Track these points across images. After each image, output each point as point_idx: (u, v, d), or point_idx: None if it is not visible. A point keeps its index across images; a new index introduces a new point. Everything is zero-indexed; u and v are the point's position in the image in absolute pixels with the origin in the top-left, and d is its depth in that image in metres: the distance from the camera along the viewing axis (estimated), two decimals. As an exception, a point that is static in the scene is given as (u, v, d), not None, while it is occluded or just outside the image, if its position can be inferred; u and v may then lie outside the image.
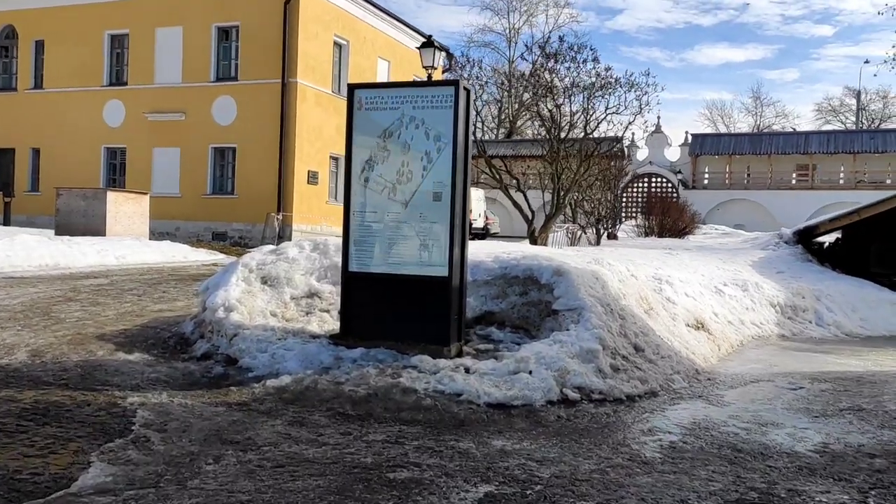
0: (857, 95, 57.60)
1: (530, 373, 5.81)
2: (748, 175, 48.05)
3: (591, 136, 15.82)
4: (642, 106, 15.40)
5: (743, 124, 70.37)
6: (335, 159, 23.38)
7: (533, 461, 4.39)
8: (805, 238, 15.78)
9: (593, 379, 5.83)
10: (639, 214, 24.06)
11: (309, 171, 21.82)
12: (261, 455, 4.37)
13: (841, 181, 46.18)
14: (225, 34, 23.07)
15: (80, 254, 14.10)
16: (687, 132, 48.53)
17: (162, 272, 13.39)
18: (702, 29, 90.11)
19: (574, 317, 6.53)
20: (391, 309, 6.55)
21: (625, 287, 7.52)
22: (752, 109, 72.08)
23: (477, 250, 7.74)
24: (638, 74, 15.35)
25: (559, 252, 9.30)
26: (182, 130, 23.14)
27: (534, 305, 6.93)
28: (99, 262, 14.22)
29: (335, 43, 23.20)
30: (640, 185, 45.11)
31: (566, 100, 15.35)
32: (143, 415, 5.11)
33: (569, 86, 15.18)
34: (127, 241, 16.10)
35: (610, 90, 14.86)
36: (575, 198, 17.57)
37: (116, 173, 25.22)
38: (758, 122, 70.25)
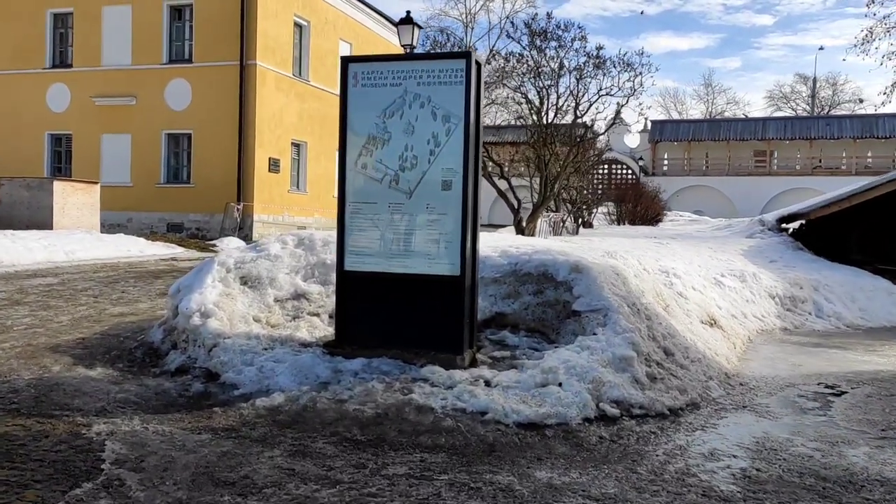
0: (813, 82, 58.41)
1: (560, 385, 5.10)
2: (707, 161, 48.28)
3: (581, 118, 15.14)
4: (635, 87, 14.78)
5: (695, 111, 70.92)
6: (297, 146, 22.36)
7: (592, 500, 3.69)
8: (787, 224, 15.44)
9: (631, 391, 5.15)
10: (607, 203, 23.61)
11: (270, 159, 20.76)
12: (265, 502, 3.58)
13: (798, 167, 46.69)
14: (178, 13, 21.79)
15: (25, 249, 12.92)
16: (647, 119, 48.47)
17: (117, 268, 12.33)
18: (646, 18, 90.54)
19: (599, 319, 5.84)
20: (394, 313, 5.77)
21: (641, 283, 6.87)
22: (703, 97, 72.71)
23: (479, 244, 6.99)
24: (632, 53, 14.70)
25: (561, 243, 8.62)
26: (133, 116, 21.83)
27: (550, 306, 6.22)
28: (47, 258, 13.06)
29: (295, 23, 22.10)
30: (601, 171, 44.88)
31: (554, 82, 14.63)
32: (114, 448, 4.27)
33: (556, 68, 14.43)
34: (77, 235, 14.93)
35: (604, 70, 14.18)
36: (562, 185, 16.91)
37: (62, 161, 23.74)
38: (710, 110, 70.85)
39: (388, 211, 5.76)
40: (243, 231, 20.01)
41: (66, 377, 5.56)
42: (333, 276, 6.73)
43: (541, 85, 14.66)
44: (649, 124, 48.09)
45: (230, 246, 17.58)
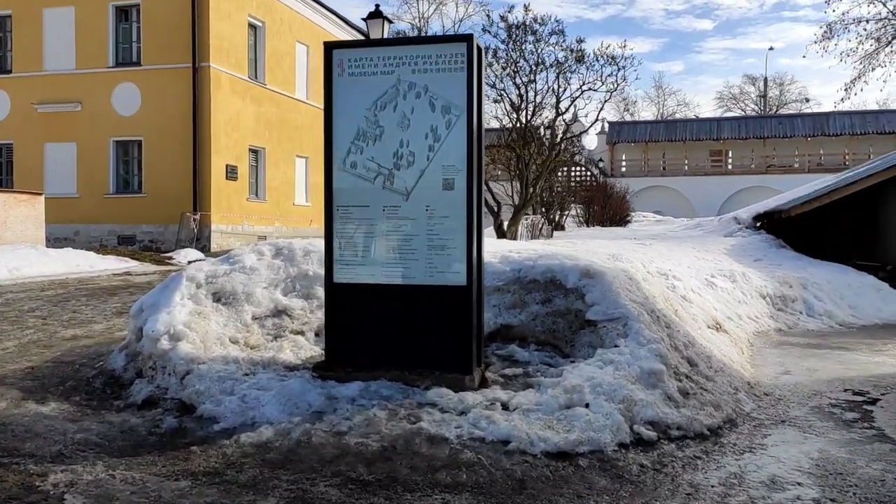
0: (764, 82, 59.30)
1: (588, 406, 4.53)
2: (664, 162, 48.53)
3: (562, 115, 14.61)
4: (618, 81, 14.32)
5: (647, 113, 71.56)
6: (255, 152, 21.48)
7: (659, 549, 3.10)
8: (763, 222, 15.19)
9: (665, 409, 4.60)
10: (576, 205, 23.26)
11: (227, 166, 19.84)
12: (271, 573, 2.92)
13: (752, 166, 47.21)
14: (124, 14, 20.74)
15: (-37, 267, 11.89)
16: (604, 120, 48.54)
17: (67, 286, 11.40)
18: (592, 23, 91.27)
19: (619, 328, 5.29)
20: (393, 329, 5.13)
21: (651, 287, 6.35)
22: (654, 99, 73.42)
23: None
24: (615, 47, 14.23)
25: (558, 247, 8.07)
26: (78, 123, 20.69)
27: (561, 316, 5.65)
28: (-12, 275, 12.05)
29: (250, 24, 21.24)
30: (561, 173, 44.70)
31: (532, 78, 14.05)
32: (76, 503, 3.57)
33: (535, 63, 13.86)
34: (21, 250, 13.88)
35: (586, 64, 13.68)
36: (543, 186, 16.37)
37: (2, 173, 22.44)
38: (661, 111, 71.56)
39: (382, 215, 5.13)
40: (201, 242, 19.06)
41: (15, 415, 4.79)
42: (317, 290, 6.07)
43: (520, 81, 14.16)
44: (606, 126, 48.16)
45: (188, 258, 16.66)
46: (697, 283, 9.43)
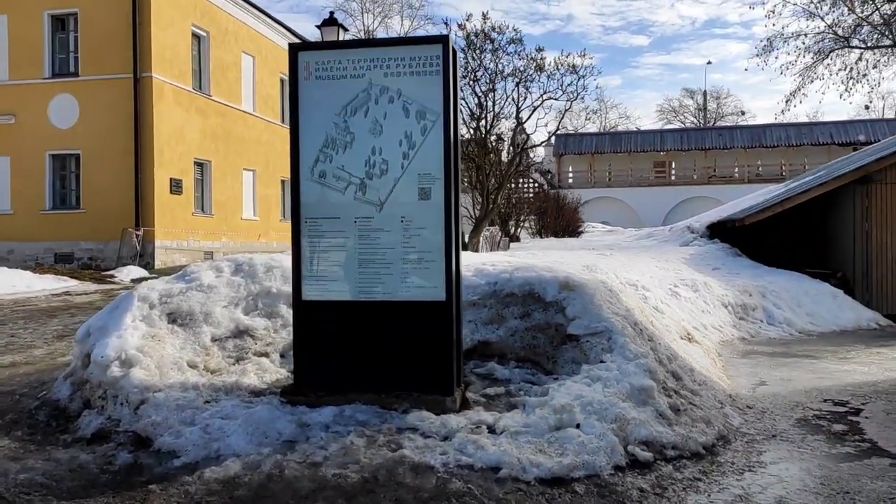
0: (704, 95, 60.69)
1: (579, 426, 4.28)
2: (610, 173, 49.15)
3: (523, 125, 14.43)
4: (579, 91, 14.22)
5: (591, 126, 72.49)
6: (200, 165, 20.79)
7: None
8: (717, 231, 15.30)
9: (659, 428, 4.38)
10: (529, 216, 23.19)
11: (172, 180, 19.13)
12: None
13: (695, 176, 48.16)
14: (60, 23, 19.88)
15: None
16: (550, 132, 48.90)
17: (2, 307, 10.70)
18: (532, 38, 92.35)
19: (603, 343, 5.06)
20: (367, 348, 4.81)
21: (628, 299, 6.16)
22: (597, 111, 74.50)
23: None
24: (574, 55, 14.11)
25: (534, 259, 7.83)
26: (12, 136, 19.71)
27: (541, 330, 5.40)
28: (-87, 297, 11.24)
29: (194, 34, 20.60)
30: (516, 184, 44.87)
31: (491, 87, 13.86)
32: (20, 559, 3.15)
33: (494, 71, 13.68)
34: (-50, 270, 13.04)
35: (547, 73, 13.51)
36: (504, 197, 16.14)
37: (-71, 188, 21.19)
38: (604, 124, 72.64)
39: (354, 227, 4.81)
40: (144, 259, 18.30)
41: (-54, 455, 4.30)
42: (281, 308, 5.70)
43: (479, 90, 13.95)
44: (553, 138, 48.53)
45: (130, 276, 15.96)
46: (663, 293, 9.34)
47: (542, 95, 14.21)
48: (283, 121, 25.65)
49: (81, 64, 19.44)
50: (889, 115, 52.76)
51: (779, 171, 45.31)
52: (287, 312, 5.65)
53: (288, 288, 5.78)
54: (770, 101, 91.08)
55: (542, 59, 13.72)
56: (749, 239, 14.41)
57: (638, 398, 4.57)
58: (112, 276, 15.70)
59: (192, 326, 5.35)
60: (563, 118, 15.33)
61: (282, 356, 5.40)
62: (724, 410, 5.17)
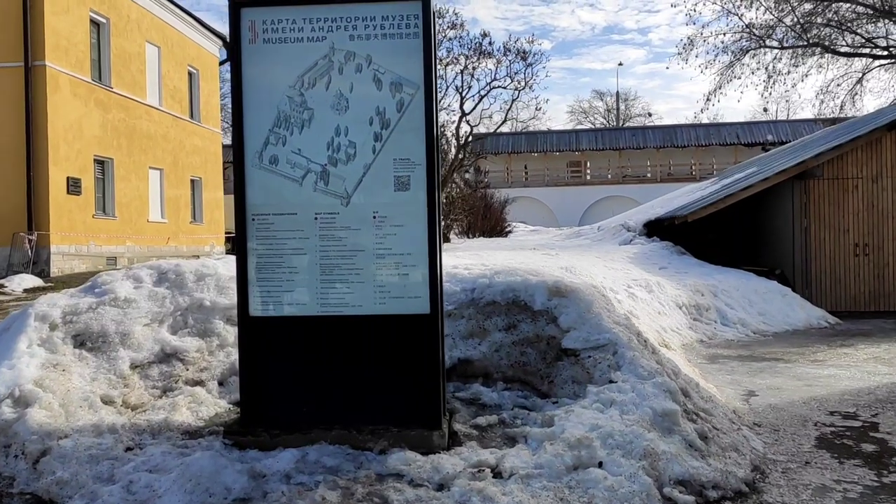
0: (616, 96, 61.72)
1: (601, 465, 3.52)
2: (526, 173, 49.16)
3: (467, 117, 13.59)
4: (527, 79, 13.49)
5: (503, 126, 72.61)
6: (101, 163, 19.04)
7: None
8: (655, 229, 15.01)
9: (693, 462, 3.67)
10: (456, 215, 22.49)
11: (69, 179, 17.38)
12: None
13: (609, 176, 48.71)
14: (-63, 5, 17.78)
15: None
16: (468, 132, 48.47)
17: None
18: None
19: (608, 359, 4.33)
20: (332, 374, 3.91)
21: (619, 305, 5.46)
22: (506, 115, 74.74)
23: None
24: (523, 41, 13.37)
25: (512, 260, 7.03)
26: None
27: (530, 344, 4.63)
28: None
29: (92, 20, 18.84)
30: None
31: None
32: None
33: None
34: None
35: (496, 59, 12.73)
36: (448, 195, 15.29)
37: None
38: (515, 125, 72.89)
39: (314, 225, 3.90)
40: (38, 266, 16.52)
41: None
42: (217, 324, 4.72)
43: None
44: (470, 137, 48.11)
45: (23, 285, 14.30)
46: (624, 295, 8.76)
47: (489, 84, 13.47)
48: (191, 116, 24.06)
49: (-37, 50, 17.43)
50: (782, 117, 54.96)
51: (689, 171, 46.41)
52: (225, 329, 4.68)
53: (224, 299, 4.81)
54: (668, 105, 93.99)
55: (490, 43, 13.00)
56: (688, 236, 14.15)
57: (662, 425, 3.85)
58: (2, 286, 14.01)
59: (106, 351, 4.30)
60: (510, 108, 14.67)
61: (220, 384, 4.42)
62: (742, 433, 4.53)
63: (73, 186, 17.71)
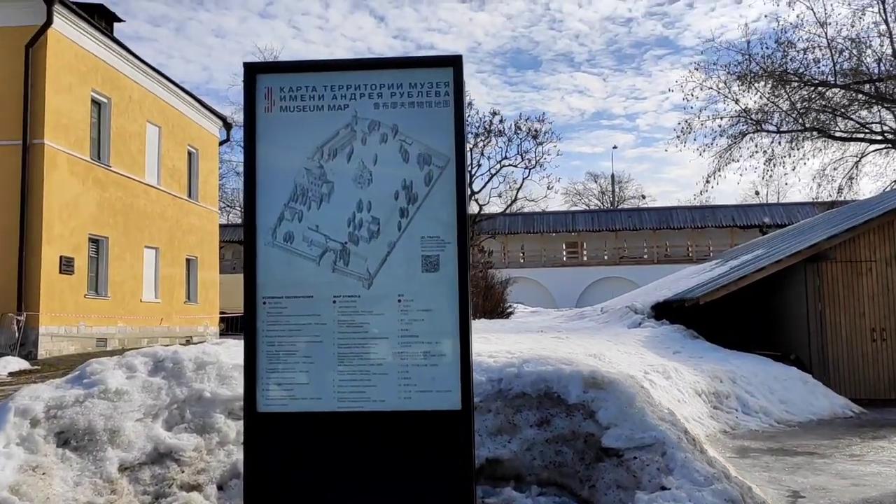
0: (612, 178, 62.37)
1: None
2: (523, 253, 49.07)
3: (476, 196, 13.38)
4: (537, 158, 13.35)
5: (497, 207, 73.12)
6: (96, 242, 18.72)
7: None
8: (663, 311, 14.62)
9: (767, 584, 3.17)
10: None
11: (62, 258, 17.00)
12: None
13: (606, 257, 48.66)
14: (-61, 84, 17.78)
15: None
16: (507, 202, 48.72)
17: None
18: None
19: (657, 460, 3.87)
20: (351, 479, 3.43)
21: (658, 396, 5.02)
22: (503, 194, 75.44)
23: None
24: (533, 119, 13.32)
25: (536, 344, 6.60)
26: None
27: (566, 442, 4.17)
28: None
29: (94, 100, 18.85)
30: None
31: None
32: None
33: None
34: None
35: (507, 137, 12.60)
36: None
37: None
38: (510, 206, 73.42)
39: (332, 309, 3.50)
40: (25, 347, 15.95)
41: None
42: (218, 419, 4.26)
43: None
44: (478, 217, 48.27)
45: (7, 368, 13.70)
46: (644, 383, 8.29)
47: (499, 162, 13.33)
48: (189, 195, 23.91)
49: (-39, 128, 17.32)
50: (773, 199, 55.51)
51: (686, 253, 46.39)
52: (226, 424, 4.21)
53: (227, 391, 4.36)
54: (658, 188, 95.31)
55: (501, 121, 12.92)
56: (699, 319, 13.74)
57: (728, 540, 3.37)
58: (-15, 369, 13.40)
59: (93, 450, 3.83)
60: (521, 187, 14.51)
61: (220, 488, 3.93)
62: (804, 542, 4.03)
63: (66, 266, 17.32)
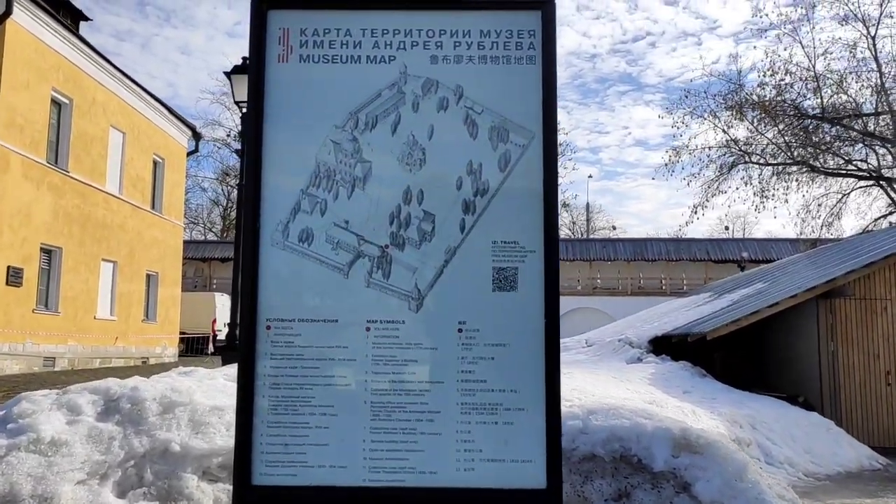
0: (587, 207, 61.98)
1: None
2: (495, 281, 48.20)
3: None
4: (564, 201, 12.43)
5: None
6: (48, 252, 17.29)
7: None
8: (661, 346, 13.74)
9: None
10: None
11: (10, 268, 15.56)
12: None
13: (580, 287, 47.93)
14: None
15: None
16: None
17: None
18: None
19: (787, 554, 2.86)
20: (385, 589, 2.38)
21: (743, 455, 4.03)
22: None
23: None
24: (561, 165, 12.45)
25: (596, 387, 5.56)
26: None
27: (654, 523, 3.14)
28: None
29: (54, 100, 17.54)
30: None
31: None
32: None
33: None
34: None
35: None
36: None
37: None
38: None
39: (365, 340, 2.47)
40: (-39, 366, 14.51)
41: None
42: (188, 481, 3.18)
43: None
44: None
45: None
46: (671, 427, 7.34)
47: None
48: (153, 207, 22.54)
49: None
50: (738, 235, 55.71)
51: (659, 285, 45.94)
52: (199, 490, 3.12)
53: (202, 442, 3.27)
54: (620, 221, 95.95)
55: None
56: (699, 355, 12.88)
57: None
58: (-87, 389, 11.94)
59: (11, 528, 2.70)
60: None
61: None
62: None
63: (14, 277, 15.88)
